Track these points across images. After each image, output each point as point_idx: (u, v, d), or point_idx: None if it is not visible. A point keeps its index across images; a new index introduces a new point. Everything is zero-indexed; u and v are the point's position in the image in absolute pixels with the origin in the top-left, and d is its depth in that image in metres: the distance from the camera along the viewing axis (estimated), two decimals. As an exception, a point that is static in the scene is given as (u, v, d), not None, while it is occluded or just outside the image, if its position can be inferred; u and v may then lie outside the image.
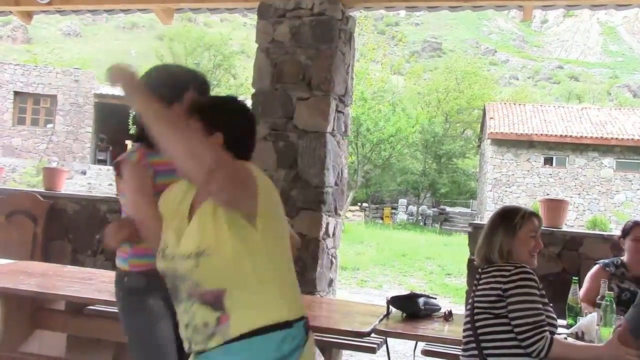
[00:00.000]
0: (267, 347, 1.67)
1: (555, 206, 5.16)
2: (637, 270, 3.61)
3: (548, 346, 2.37)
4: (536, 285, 2.48)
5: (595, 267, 3.68)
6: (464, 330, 2.60)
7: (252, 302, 1.70)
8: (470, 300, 2.62)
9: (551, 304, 2.57)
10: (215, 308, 1.69)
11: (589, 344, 2.71)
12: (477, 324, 2.51)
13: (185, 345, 1.78)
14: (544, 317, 2.42)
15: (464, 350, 2.59)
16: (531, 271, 2.50)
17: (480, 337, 2.49)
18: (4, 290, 3.35)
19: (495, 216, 2.69)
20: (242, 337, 1.66)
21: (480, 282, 2.58)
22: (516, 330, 2.41)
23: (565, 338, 2.84)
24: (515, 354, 2.42)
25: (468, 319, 2.58)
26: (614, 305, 2.85)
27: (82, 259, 5.50)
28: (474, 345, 2.51)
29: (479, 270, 2.65)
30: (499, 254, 2.58)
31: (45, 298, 3.59)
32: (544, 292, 2.53)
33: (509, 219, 2.62)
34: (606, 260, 3.71)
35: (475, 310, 2.54)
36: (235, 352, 1.67)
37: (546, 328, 2.41)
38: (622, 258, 3.70)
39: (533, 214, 2.64)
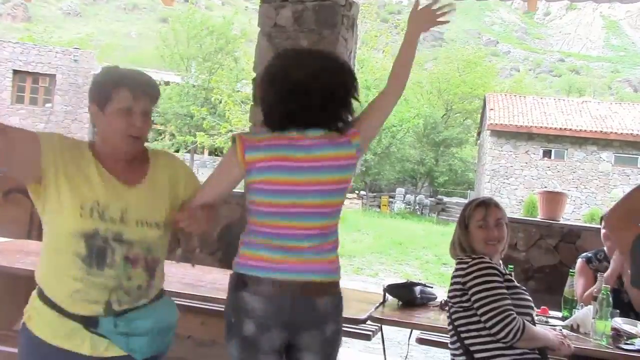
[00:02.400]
0: (169, 303, 2.08)
1: (554, 199, 5.16)
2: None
3: (522, 328, 2.34)
4: (495, 272, 2.46)
5: (579, 263, 3.60)
6: (448, 325, 2.62)
7: (162, 270, 2.06)
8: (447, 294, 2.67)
9: (524, 288, 2.57)
10: (149, 274, 1.95)
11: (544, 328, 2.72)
12: (453, 317, 2.54)
13: (99, 308, 1.87)
14: (508, 301, 2.40)
15: (450, 343, 2.60)
16: (488, 260, 2.50)
17: (459, 329, 2.51)
18: (0, 268, 3.34)
19: (463, 208, 2.72)
20: (156, 297, 2.00)
21: (452, 275, 2.63)
22: (483, 319, 2.39)
23: (561, 330, 2.85)
24: (492, 341, 2.40)
25: (448, 313, 2.62)
26: (610, 299, 2.86)
27: (78, 239, 5.49)
28: (455, 338, 2.53)
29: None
30: (460, 248, 2.62)
31: (41, 277, 3.58)
32: (510, 277, 2.53)
33: (461, 212, 2.66)
34: (589, 254, 3.60)
35: (450, 305, 2.58)
36: (154, 309, 1.97)
37: (512, 311, 2.38)
38: (604, 248, 3.63)
39: (481, 204, 2.61)
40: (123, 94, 1.91)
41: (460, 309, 2.50)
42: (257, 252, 2.06)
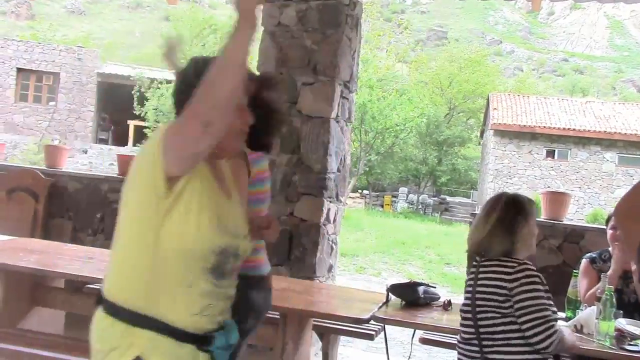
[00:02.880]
0: None
1: (557, 199, 5.15)
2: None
3: (558, 340, 2.38)
4: (540, 280, 2.45)
5: (583, 263, 3.59)
6: (464, 325, 2.55)
7: None
8: (470, 295, 2.54)
9: (550, 295, 2.55)
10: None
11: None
12: (481, 323, 2.46)
13: (217, 319, 1.73)
14: (549, 311, 2.41)
15: (463, 343, 2.56)
16: (533, 267, 2.47)
17: (483, 335, 2.45)
18: (3, 266, 3.35)
19: (504, 205, 2.59)
20: None
21: (480, 276, 2.52)
22: (524, 327, 2.38)
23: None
24: (519, 352, 2.39)
25: (469, 315, 2.52)
26: (614, 300, 2.85)
27: (82, 238, 5.50)
28: (475, 342, 2.47)
29: (476, 262, 2.58)
30: (506, 247, 2.52)
31: (44, 275, 3.59)
32: (547, 287, 2.51)
33: (523, 209, 2.58)
34: (593, 255, 3.60)
35: (478, 309, 2.49)
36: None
37: (555, 322, 2.40)
38: (609, 249, 3.62)
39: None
40: None
41: (498, 315, 2.43)
42: (256, 254, 2.41)
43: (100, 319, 1.68)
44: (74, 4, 56.29)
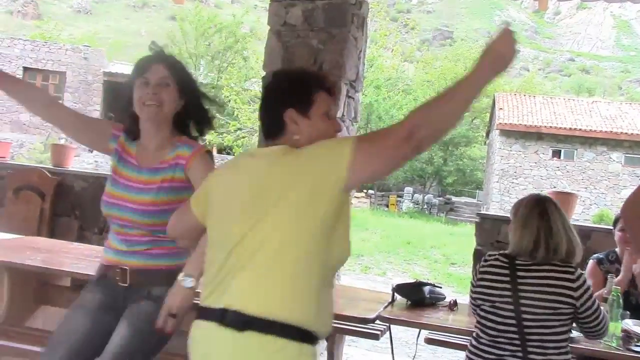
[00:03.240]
0: None
1: (564, 199, 5.13)
2: None
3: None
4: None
5: (590, 264, 3.57)
6: (502, 330, 2.41)
7: None
8: (510, 300, 2.40)
9: None
10: None
11: None
12: (531, 330, 2.36)
13: None
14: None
15: (491, 346, 2.43)
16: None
17: (532, 343, 2.36)
18: (10, 265, 3.36)
19: (556, 207, 2.52)
20: None
21: (530, 281, 2.40)
22: (593, 327, 2.46)
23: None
24: (563, 352, 2.39)
25: (513, 320, 2.39)
26: (621, 300, 2.84)
27: (88, 236, 5.51)
28: (517, 348, 2.37)
29: (517, 263, 2.45)
30: (563, 251, 2.45)
31: (51, 274, 3.60)
32: None
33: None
34: (600, 255, 3.58)
35: (525, 316, 2.38)
36: None
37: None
38: (616, 250, 3.61)
39: None
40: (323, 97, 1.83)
41: (557, 323, 2.38)
42: None
43: (265, 343, 1.56)
44: (81, 3, 56.46)
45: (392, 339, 3.56)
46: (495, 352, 2.42)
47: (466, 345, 3.44)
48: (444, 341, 3.71)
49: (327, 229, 1.61)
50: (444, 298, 3.40)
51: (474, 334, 2.54)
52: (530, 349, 2.36)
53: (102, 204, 2.46)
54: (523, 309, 2.37)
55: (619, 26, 72.64)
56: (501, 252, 2.54)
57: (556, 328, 2.38)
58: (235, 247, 1.63)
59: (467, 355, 2.56)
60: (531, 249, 2.43)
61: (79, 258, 3.73)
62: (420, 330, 3.52)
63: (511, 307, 2.38)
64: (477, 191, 31.49)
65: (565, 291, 2.36)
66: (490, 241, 4.92)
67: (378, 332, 3.57)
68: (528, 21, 75.42)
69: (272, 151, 1.74)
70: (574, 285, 2.37)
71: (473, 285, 2.57)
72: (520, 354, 2.36)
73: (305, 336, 1.58)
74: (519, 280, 2.40)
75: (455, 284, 10.56)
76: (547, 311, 2.36)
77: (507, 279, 2.42)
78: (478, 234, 5.01)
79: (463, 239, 14.40)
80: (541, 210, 2.49)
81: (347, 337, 4.14)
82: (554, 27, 75.92)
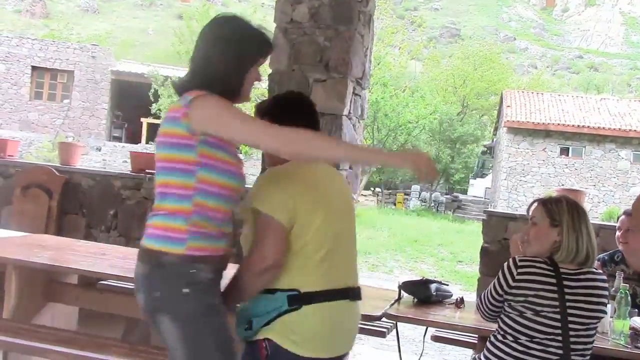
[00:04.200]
0: None
1: (573, 197, 5.10)
2: (636, 265, 3.48)
3: None
4: None
5: (595, 264, 3.57)
6: (546, 338, 2.36)
7: None
8: (557, 310, 2.36)
9: None
10: None
11: None
12: (578, 340, 2.36)
13: None
14: None
15: (536, 353, 2.37)
16: None
17: (576, 353, 2.36)
18: (18, 262, 3.38)
19: (584, 212, 2.50)
20: None
21: (575, 289, 2.38)
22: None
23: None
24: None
25: (558, 330, 2.35)
26: (629, 298, 2.82)
27: (95, 234, 5.53)
28: (559, 357, 2.35)
29: (562, 272, 2.41)
30: (594, 257, 2.47)
31: (58, 271, 3.61)
32: None
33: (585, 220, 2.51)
34: (605, 256, 3.56)
35: (572, 325, 2.35)
36: None
37: None
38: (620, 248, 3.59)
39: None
40: None
41: (596, 329, 2.44)
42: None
43: (361, 306, 2.23)
44: (88, 2, 56.60)
45: (399, 337, 3.55)
46: (536, 359, 2.37)
47: (473, 343, 3.43)
48: (451, 339, 3.71)
49: None
50: (451, 296, 3.39)
51: (509, 337, 2.42)
52: (573, 356, 2.36)
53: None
54: (570, 318, 2.35)
55: (627, 23, 72.18)
56: (538, 258, 2.46)
57: (595, 335, 2.43)
58: (334, 238, 2.08)
59: (495, 356, 2.45)
60: (584, 254, 2.43)
61: (86, 255, 3.75)
62: (427, 328, 3.51)
63: (558, 316, 2.36)
64: (485, 188, 31.36)
65: (604, 300, 2.42)
66: (498, 239, 4.90)
67: (385, 330, 3.56)
68: (536, 18, 75.05)
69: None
70: (607, 292, 2.44)
71: (506, 288, 2.44)
72: None
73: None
74: (567, 290, 2.37)
75: (463, 282, 10.54)
76: (593, 321, 2.39)
77: (555, 288, 2.38)
78: (485, 231, 4.99)
79: (470, 237, 14.37)
80: (583, 214, 2.48)
81: (354, 335, 4.12)
82: (562, 24, 75.54)
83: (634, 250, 3.47)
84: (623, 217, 3.56)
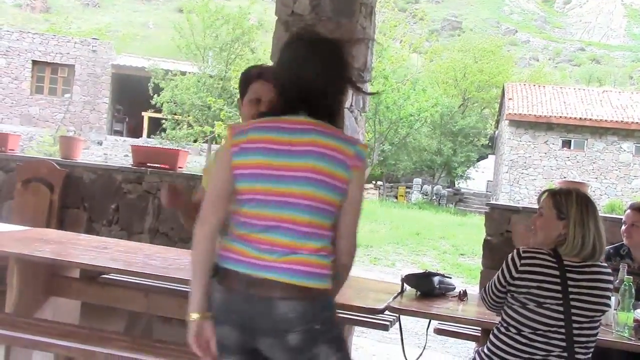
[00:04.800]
0: None
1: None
2: None
3: None
4: None
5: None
6: (549, 330, 2.36)
7: None
8: (560, 302, 2.36)
9: None
10: None
11: None
12: (581, 332, 2.35)
13: None
14: None
15: (540, 345, 2.36)
16: None
17: (579, 345, 2.35)
18: (19, 256, 3.37)
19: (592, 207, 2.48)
20: None
21: (580, 282, 2.37)
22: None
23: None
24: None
25: (561, 322, 2.35)
26: (633, 290, 2.81)
27: (97, 228, 5.52)
28: (563, 349, 2.34)
29: (566, 264, 2.40)
30: (601, 252, 2.44)
31: (60, 265, 3.61)
32: None
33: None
34: (611, 249, 3.55)
35: (575, 318, 2.35)
36: None
37: None
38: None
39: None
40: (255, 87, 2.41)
41: (600, 322, 2.43)
42: (232, 243, 1.93)
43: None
44: (89, -4, 56.50)
45: (402, 330, 3.54)
46: (540, 351, 2.36)
47: (476, 336, 3.42)
48: (453, 331, 3.70)
49: None
50: (454, 288, 3.38)
51: (513, 330, 2.41)
52: (577, 349, 2.35)
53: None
54: (574, 310, 2.35)
55: (630, 15, 71.92)
56: (542, 249, 2.46)
57: (599, 328, 2.42)
58: None
59: (498, 348, 2.44)
60: (590, 249, 2.41)
61: (88, 249, 3.74)
62: (430, 321, 3.50)
63: (561, 308, 2.35)
64: (487, 182, 31.32)
65: (608, 293, 2.41)
66: (500, 231, 4.89)
67: (387, 323, 3.55)
68: (537, 10, 74.80)
69: None
70: (612, 285, 2.43)
71: (509, 279, 2.43)
72: (565, 354, 2.33)
73: None
74: (570, 282, 2.36)
75: (465, 275, 10.54)
76: (596, 313, 2.38)
77: (558, 280, 2.37)
78: (487, 224, 4.98)
79: (472, 230, 14.37)
80: (592, 209, 2.45)
81: (357, 328, 4.12)
82: (563, 17, 75.28)
83: (637, 244, 3.46)
84: (629, 211, 3.55)
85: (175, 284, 3.57)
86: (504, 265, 2.47)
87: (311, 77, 1.94)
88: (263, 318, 1.86)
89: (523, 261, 2.42)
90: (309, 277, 1.88)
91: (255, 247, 1.88)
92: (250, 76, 2.49)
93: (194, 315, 1.93)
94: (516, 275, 2.42)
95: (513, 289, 2.42)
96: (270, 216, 1.88)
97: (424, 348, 3.88)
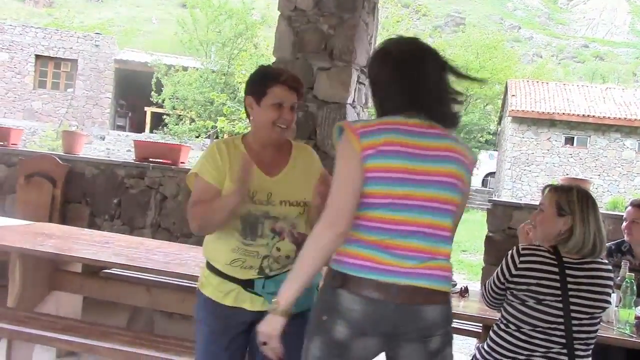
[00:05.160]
0: None
1: (577, 186, 5.08)
2: None
3: None
4: None
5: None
6: (549, 327, 2.36)
7: None
8: (559, 298, 2.35)
9: None
10: (297, 246, 2.25)
11: None
12: (581, 329, 2.35)
13: (254, 272, 2.32)
14: None
15: (539, 342, 2.36)
16: None
17: (579, 342, 2.35)
18: (22, 251, 3.38)
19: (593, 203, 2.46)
20: None
21: (579, 279, 2.37)
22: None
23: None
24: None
25: (561, 319, 2.35)
26: (634, 287, 2.81)
27: (99, 223, 5.53)
28: (562, 346, 2.34)
29: (565, 261, 2.40)
30: (602, 249, 2.43)
31: (62, 260, 3.62)
32: None
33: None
34: (612, 245, 3.55)
35: (574, 315, 2.34)
36: None
37: None
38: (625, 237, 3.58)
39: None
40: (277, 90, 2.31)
41: (599, 319, 2.42)
42: (362, 250, 1.85)
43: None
44: (92, -10, 56.45)
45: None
46: (540, 348, 2.36)
47: (477, 332, 3.43)
48: (454, 328, 3.69)
49: None
50: (455, 285, 3.38)
51: (512, 327, 2.41)
52: (577, 345, 2.34)
53: None
54: (573, 307, 2.34)
55: (633, 11, 71.67)
56: (541, 246, 2.46)
57: (599, 324, 2.41)
58: None
59: (498, 345, 2.43)
60: (591, 246, 2.39)
61: (90, 244, 3.75)
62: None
63: (560, 305, 2.34)
64: (489, 178, 31.29)
65: (608, 289, 2.39)
66: (502, 228, 4.89)
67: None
68: (541, 7, 74.59)
69: None
70: (612, 282, 2.43)
71: (508, 276, 2.43)
72: (565, 351, 2.33)
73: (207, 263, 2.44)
74: (569, 279, 2.36)
75: (467, 271, 10.53)
76: (596, 310, 2.37)
77: (557, 277, 2.36)
78: (490, 220, 4.98)
79: (474, 226, 14.33)
80: (594, 205, 2.44)
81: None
82: (567, 13, 75.05)
83: (638, 241, 3.47)
84: (629, 208, 3.55)
85: (177, 279, 3.58)
86: (503, 263, 2.47)
87: (431, 83, 1.95)
88: (409, 325, 1.85)
89: (522, 258, 2.42)
90: (446, 282, 1.93)
91: (390, 253, 1.84)
92: (270, 77, 2.34)
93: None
94: (515, 273, 2.41)
95: (512, 286, 2.42)
96: (411, 221, 1.85)
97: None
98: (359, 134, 1.86)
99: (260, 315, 2.07)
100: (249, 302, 2.34)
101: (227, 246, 2.32)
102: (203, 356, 2.38)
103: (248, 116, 2.42)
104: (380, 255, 1.84)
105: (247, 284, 2.32)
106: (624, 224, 3.52)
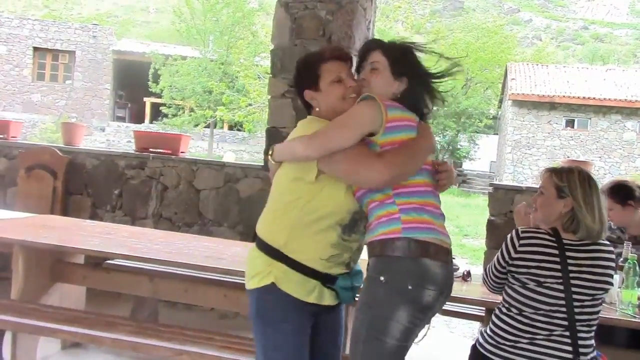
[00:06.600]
0: None
1: (578, 168, 5.07)
2: (634, 229, 3.45)
3: None
4: None
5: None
6: (550, 310, 2.34)
7: None
8: (560, 280, 2.34)
9: None
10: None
11: None
12: (583, 310, 2.34)
13: (343, 267, 2.23)
14: None
15: (541, 324, 2.35)
16: None
17: (581, 323, 2.34)
18: (24, 243, 3.38)
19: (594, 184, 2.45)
20: None
21: (580, 261, 2.36)
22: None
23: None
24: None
25: (562, 301, 2.33)
26: (637, 268, 2.81)
27: (101, 214, 5.54)
28: (564, 328, 2.33)
29: (565, 243, 2.39)
30: (603, 230, 2.42)
31: (65, 251, 3.62)
32: None
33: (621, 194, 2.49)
34: (613, 226, 3.57)
35: (575, 296, 2.33)
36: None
37: None
38: None
39: None
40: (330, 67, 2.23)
41: (598, 302, 2.39)
42: (420, 215, 2.11)
43: (251, 250, 2.25)
44: (88, -19, 56.07)
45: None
46: (542, 330, 2.35)
47: (480, 316, 3.43)
48: (457, 312, 3.71)
49: (304, 189, 2.22)
50: (458, 269, 3.38)
51: (514, 310, 2.40)
52: (579, 327, 2.33)
53: None
54: (574, 289, 2.32)
55: (633, -8, 71.24)
56: (541, 229, 2.45)
57: (601, 306, 2.40)
58: None
59: (500, 329, 2.42)
60: (595, 228, 2.38)
61: (93, 235, 3.75)
62: (434, 302, 3.50)
63: (561, 287, 2.33)
64: (490, 162, 31.25)
65: (610, 271, 2.38)
66: (504, 211, 4.89)
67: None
68: (540, -11, 74.13)
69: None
70: (613, 262, 2.41)
71: (509, 259, 2.43)
72: (568, 333, 2.32)
73: (279, 255, 2.18)
74: (570, 261, 2.34)
75: (469, 255, 10.55)
76: (598, 292, 2.35)
77: (557, 259, 2.35)
78: (491, 204, 4.98)
79: (476, 210, 14.37)
80: (594, 186, 2.42)
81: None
82: (566, -5, 74.60)
83: (617, 223, 3.47)
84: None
85: (179, 269, 3.59)
86: (503, 246, 2.46)
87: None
88: (451, 281, 2.18)
89: (522, 241, 2.41)
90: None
91: (431, 213, 2.16)
92: (313, 60, 2.27)
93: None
94: (515, 256, 2.41)
95: (513, 269, 2.41)
96: (428, 182, 2.21)
97: (429, 328, 3.88)
98: (387, 105, 2.12)
99: (324, 308, 2.24)
100: (328, 297, 2.24)
101: (326, 241, 2.18)
102: (293, 357, 2.21)
103: (309, 111, 2.30)
104: (429, 216, 2.14)
105: (328, 279, 2.20)
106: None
